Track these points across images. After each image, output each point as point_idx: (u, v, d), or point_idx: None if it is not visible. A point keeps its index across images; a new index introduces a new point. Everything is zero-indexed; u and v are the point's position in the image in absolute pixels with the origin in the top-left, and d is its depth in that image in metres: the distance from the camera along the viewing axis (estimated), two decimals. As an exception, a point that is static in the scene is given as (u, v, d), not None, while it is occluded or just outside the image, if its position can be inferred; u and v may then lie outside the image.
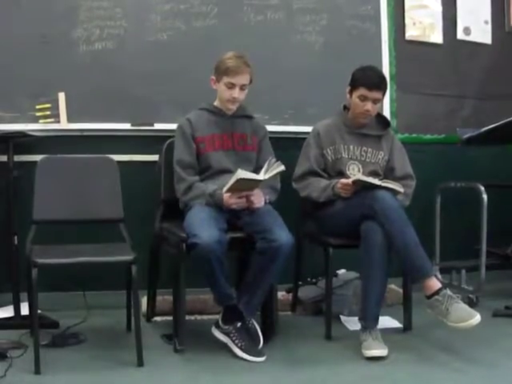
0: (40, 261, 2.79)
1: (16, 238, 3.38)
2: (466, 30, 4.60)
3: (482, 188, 3.89)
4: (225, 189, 3.06)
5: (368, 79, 3.38)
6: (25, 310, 3.25)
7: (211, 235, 2.87)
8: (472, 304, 3.70)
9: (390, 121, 3.72)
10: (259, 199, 3.15)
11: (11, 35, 3.57)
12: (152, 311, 3.57)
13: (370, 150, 3.49)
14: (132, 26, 3.78)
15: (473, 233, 3.94)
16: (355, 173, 3.42)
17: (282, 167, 3.06)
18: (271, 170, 3.04)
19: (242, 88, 3.28)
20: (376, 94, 3.38)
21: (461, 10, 4.59)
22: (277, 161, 3.07)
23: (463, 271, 4.09)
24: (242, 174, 2.96)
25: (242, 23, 4.01)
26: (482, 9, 4.66)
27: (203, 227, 2.92)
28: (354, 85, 3.42)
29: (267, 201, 3.23)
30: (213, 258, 2.87)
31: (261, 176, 3.02)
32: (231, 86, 3.26)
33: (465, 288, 4.02)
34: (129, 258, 2.89)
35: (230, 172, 3.19)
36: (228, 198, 3.09)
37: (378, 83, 3.39)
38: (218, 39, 3.90)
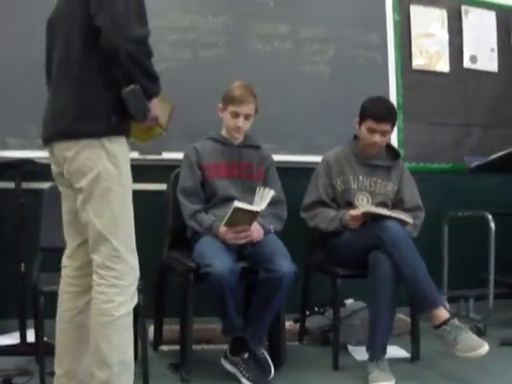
0: (47, 289, 2.80)
1: (23, 265, 3.38)
2: (473, 59, 4.63)
3: (490, 216, 3.89)
4: (223, 222, 3.07)
5: (376, 111, 3.38)
6: (31, 336, 3.25)
7: (224, 265, 2.88)
8: (480, 333, 3.68)
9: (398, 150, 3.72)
10: (258, 233, 3.15)
11: (21, 64, 3.62)
12: (159, 340, 3.56)
13: (379, 180, 3.48)
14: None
15: (480, 261, 3.93)
16: (364, 204, 3.42)
17: (273, 192, 3.09)
18: (264, 198, 3.06)
19: (246, 117, 3.31)
20: (384, 126, 3.38)
21: (467, 38, 4.63)
22: (269, 188, 3.12)
23: (471, 300, 4.10)
24: (239, 204, 2.97)
25: (249, 53, 4.06)
26: (488, 37, 4.70)
27: (216, 257, 2.94)
28: (363, 116, 3.43)
29: (272, 230, 3.24)
30: (226, 287, 2.88)
31: (258, 207, 3.03)
32: (236, 115, 3.30)
33: (473, 317, 4.02)
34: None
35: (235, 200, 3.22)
36: (224, 233, 3.10)
37: (386, 115, 3.38)
38: (226, 69, 3.93)
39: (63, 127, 2.28)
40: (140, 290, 2.84)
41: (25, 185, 3.50)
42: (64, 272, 2.52)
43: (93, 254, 2.33)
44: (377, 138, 3.40)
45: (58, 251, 2.58)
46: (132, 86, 2.20)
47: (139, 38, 2.17)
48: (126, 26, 2.13)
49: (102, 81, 2.25)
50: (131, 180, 2.41)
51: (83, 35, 2.23)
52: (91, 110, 2.25)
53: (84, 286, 2.45)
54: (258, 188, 3.13)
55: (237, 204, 2.96)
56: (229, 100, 3.30)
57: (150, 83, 2.27)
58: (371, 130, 3.40)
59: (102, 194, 2.27)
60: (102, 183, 2.26)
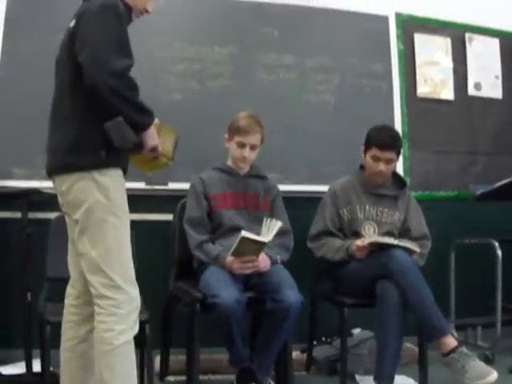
0: (53, 319, 2.80)
1: (29, 294, 3.38)
2: (477, 86, 4.64)
3: (497, 244, 3.89)
4: (230, 252, 3.07)
5: (380, 139, 3.40)
6: (36, 366, 3.24)
7: (230, 295, 2.88)
8: (488, 361, 3.65)
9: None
10: (265, 263, 3.15)
11: (29, 96, 3.64)
12: (165, 370, 3.54)
13: (385, 210, 3.48)
14: (146, 85, 3.70)
15: (488, 289, 3.92)
16: (371, 233, 3.42)
17: (280, 223, 3.10)
18: (271, 229, 3.06)
19: (252, 148, 3.32)
20: (388, 155, 3.39)
21: (471, 65, 4.64)
22: (277, 219, 3.14)
23: (479, 328, 4.08)
24: (246, 234, 2.98)
25: (255, 83, 4.08)
26: (492, 64, 4.71)
27: (222, 287, 2.94)
28: (368, 145, 3.45)
29: (278, 260, 3.23)
30: (232, 318, 2.87)
31: (265, 238, 3.04)
32: (242, 146, 3.31)
33: (481, 345, 4.00)
34: (142, 317, 2.86)
35: (242, 230, 3.22)
36: (231, 262, 3.10)
37: (390, 143, 3.39)
38: (232, 99, 3.96)
39: (57, 161, 2.40)
40: (146, 321, 2.86)
41: (31, 215, 3.50)
42: (67, 301, 2.58)
43: (90, 285, 2.38)
44: (382, 166, 3.40)
45: (65, 281, 2.61)
46: (114, 119, 2.24)
47: (119, 71, 2.22)
48: (105, 60, 2.20)
49: (92, 116, 2.31)
50: (127, 211, 2.46)
51: (72, 73, 2.32)
52: (81, 145, 2.33)
53: (85, 314, 2.51)
54: (264, 219, 3.14)
55: (244, 234, 2.97)
56: (235, 130, 3.32)
57: (139, 115, 2.32)
58: (376, 159, 3.41)
59: (96, 226, 2.35)
60: (94, 215, 2.34)
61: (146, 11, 2.57)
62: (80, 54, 2.24)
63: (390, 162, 3.42)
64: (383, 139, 3.41)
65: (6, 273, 3.64)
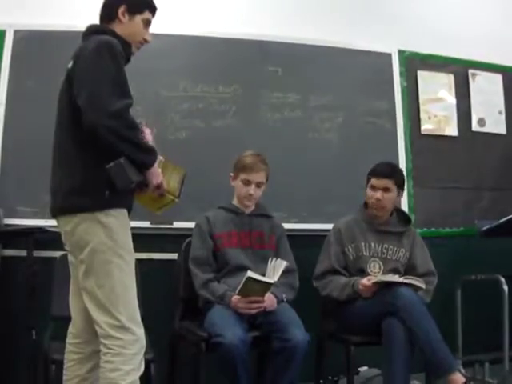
0: (58, 357, 2.77)
1: (34, 333, 3.37)
2: (481, 122, 4.65)
3: (503, 279, 3.86)
4: (236, 291, 3.08)
5: (377, 169, 3.47)
6: (41, 405, 3.23)
7: (235, 335, 2.88)
8: (497, 397, 3.64)
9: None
10: (271, 302, 3.16)
11: (34, 134, 3.64)
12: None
13: (391, 247, 3.49)
14: (152, 124, 3.76)
15: (495, 324, 3.89)
16: (376, 270, 3.43)
17: (285, 262, 3.12)
18: (277, 269, 3.08)
19: (258, 185, 3.36)
20: (385, 183, 3.43)
21: (475, 101, 4.65)
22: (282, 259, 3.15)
23: (486, 364, 4.04)
24: (252, 274, 2.99)
25: (259, 121, 4.09)
26: (495, 99, 4.73)
27: (227, 327, 2.94)
28: (368, 178, 3.50)
29: (284, 299, 3.24)
30: (237, 357, 2.87)
31: (271, 279, 3.05)
32: (247, 183, 3.35)
33: (489, 381, 3.96)
34: (148, 356, 2.84)
35: (248, 269, 3.22)
36: (236, 302, 3.11)
37: (386, 172, 3.46)
38: (236, 137, 3.97)
39: (59, 203, 2.43)
40: (152, 360, 2.85)
41: (36, 253, 3.51)
42: (67, 339, 2.60)
43: (96, 325, 2.39)
44: (378, 194, 3.44)
45: (69, 320, 2.60)
46: (116, 161, 2.25)
47: (117, 112, 2.24)
48: (102, 103, 2.23)
49: (94, 157, 2.33)
50: (132, 251, 2.47)
51: (71, 114, 2.36)
52: (84, 186, 2.35)
53: (85, 353, 2.53)
54: (270, 259, 3.15)
55: (250, 274, 2.98)
56: (240, 168, 3.35)
57: (141, 154, 2.33)
58: (373, 188, 3.46)
59: (101, 266, 2.35)
60: (99, 256, 2.35)
61: (146, 41, 2.60)
62: (78, 98, 2.27)
63: (387, 190, 3.45)
64: (380, 169, 3.48)
65: (11, 311, 3.63)
